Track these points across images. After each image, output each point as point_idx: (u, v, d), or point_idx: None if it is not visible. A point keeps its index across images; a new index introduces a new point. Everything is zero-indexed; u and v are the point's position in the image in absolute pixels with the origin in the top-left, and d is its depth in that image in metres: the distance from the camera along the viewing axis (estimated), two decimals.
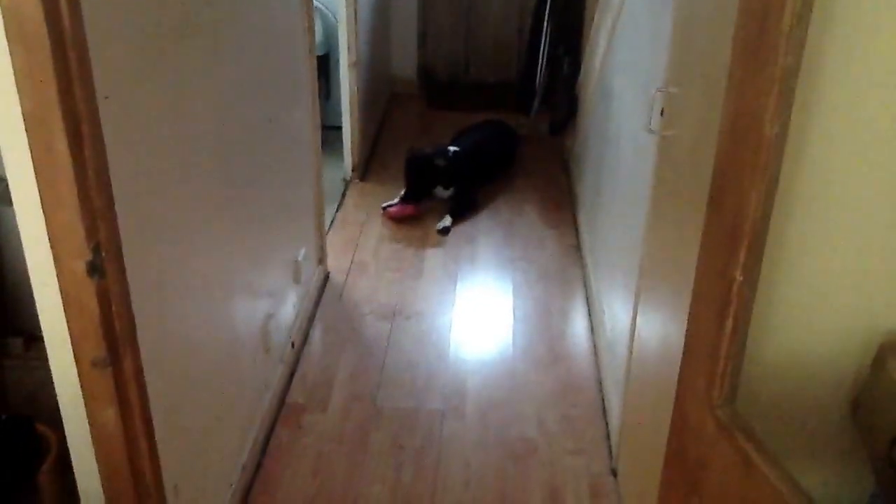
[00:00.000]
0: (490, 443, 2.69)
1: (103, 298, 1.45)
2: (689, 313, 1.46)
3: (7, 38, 1.25)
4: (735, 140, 1.26)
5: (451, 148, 4.38)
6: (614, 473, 2.54)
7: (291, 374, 2.96)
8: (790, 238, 1.31)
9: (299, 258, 3.03)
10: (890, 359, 1.35)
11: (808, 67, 1.17)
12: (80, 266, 1.41)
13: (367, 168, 4.72)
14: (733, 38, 1.27)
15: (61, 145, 1.32)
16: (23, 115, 1.30)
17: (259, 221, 2.52)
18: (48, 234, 1.39)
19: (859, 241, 1.31)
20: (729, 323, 1.30)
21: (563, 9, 4.66)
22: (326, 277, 3.60)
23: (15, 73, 1.27)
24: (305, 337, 3.18)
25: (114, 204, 1.46)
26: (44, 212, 1.38)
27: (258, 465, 2.53)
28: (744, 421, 1.32)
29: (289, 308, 2.94)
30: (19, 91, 1.28)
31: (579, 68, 4.28)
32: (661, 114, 2.01)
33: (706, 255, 1.40)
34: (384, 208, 4.23)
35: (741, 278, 1.27)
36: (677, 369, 1.51)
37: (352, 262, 3.76)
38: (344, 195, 4.44)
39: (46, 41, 1.25)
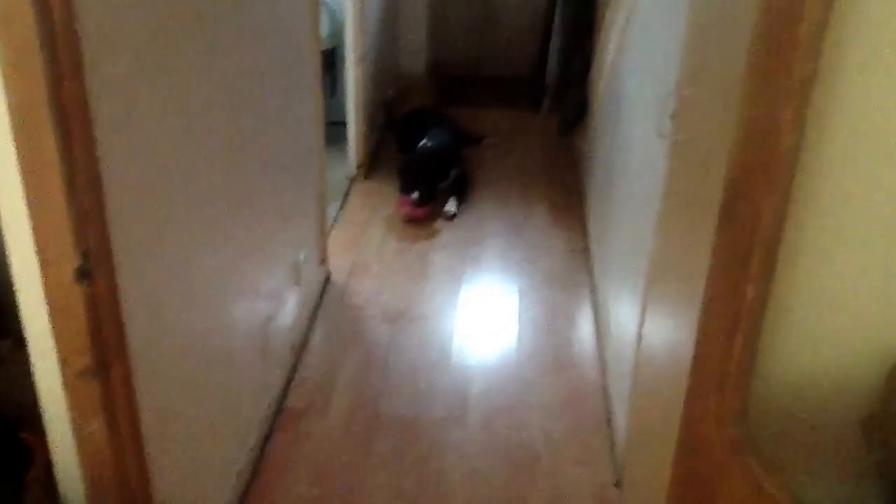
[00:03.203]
0: (493, 451, 2.64)
1: (91, 306, 1.41)
2: (698, 328, 1.41)
3: None
4: (748, 151, 1.21)
5: (432, 139, 4.44)
6: (619, 485, 2.49)
7: (290, 379, 2.91)
8: (803, 251, 1.26)
9: (300, 259, 2.98)
10: None
11: (826, 76, 1.11)
12: (68, 271, 1.37)
13: (372, 166, 4.67)
14: (748, 44, 1.21)
15: (50, 144, 1.28)
16: (9, 110, 1.25)
17: (259, 221, 2.47)
18: (34, 237, 1.35)
19: (874, 255, 1.26)
20: (739, 339, 1.26)
21: (575, 4, 4.59)
22: (328, 278, 3.55)
23: (1, 66, 1.22)
24: (305, 340, 3.13)
25: (104, 206, 1.41)
26: (30, 214, 1.33)
27: (254, 474, 2.48)
28: (754, 442, 1.28)
29: (288, 311, 2.89)
30: (6, 85, 1.24)
31: (590, 66, 4.22)
32: (673, 118, 1.96)
33: (717, 267, 1.35)
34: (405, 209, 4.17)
35: (753, 293, 1.22)
36: (684, 381, 1.47)
37: (354, 263, 3.71)
38: (348, 193, 4.39)
39: (35, 32, 1.20)
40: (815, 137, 1.16)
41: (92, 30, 1.32)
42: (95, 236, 1.39)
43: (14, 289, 1.42)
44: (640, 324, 2.24)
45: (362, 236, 3.95)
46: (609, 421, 2.76)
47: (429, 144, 4.39)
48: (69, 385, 1.45)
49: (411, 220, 4.08)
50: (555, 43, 4.78)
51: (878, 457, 1.36)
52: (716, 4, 1.67)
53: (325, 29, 4.35)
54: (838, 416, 1.40)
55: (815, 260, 1.27)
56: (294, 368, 2.96)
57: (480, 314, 3.41)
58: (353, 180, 4.51)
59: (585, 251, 3.87)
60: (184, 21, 1.75)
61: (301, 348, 3.07)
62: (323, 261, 3.49)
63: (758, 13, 1.19)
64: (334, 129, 4.46)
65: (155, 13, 1.60)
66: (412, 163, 4.30)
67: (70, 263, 1.36)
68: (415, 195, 4.09)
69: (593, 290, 3.51)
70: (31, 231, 1.34)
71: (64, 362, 1.43)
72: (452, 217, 4.14)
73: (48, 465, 1.61)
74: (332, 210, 4.01)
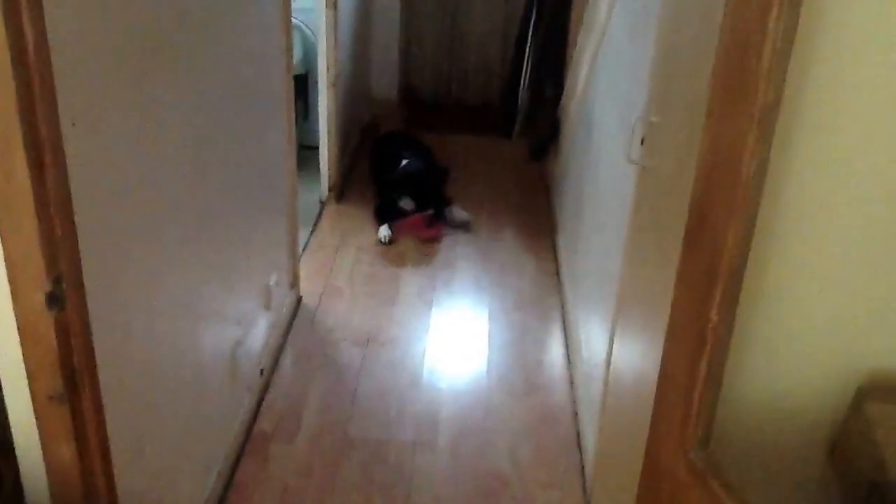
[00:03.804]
0: (462, 476, 2.64)
1: (62, 332, 1.41)
2: (663, 353, 1.42)
3: None
4: (712, 177, 1.23)
5: (411, 160, 4.50)
6: None
7: (260, 403, 2.90)
8: (768, 277, 1.29)
9: (271, 283, 2.97)
10: (867, 402, 1.32)
11: (789, 103, 1.14)
12: (39, 298, 1.36)
13: (343, 190, 4.68)
14: (712, 72, 1.24)
15: (22, 173, 1.27)
16: None
17: (230, 246, 2.47)
18: (5, 264, 1.34)
19: (838, 281, 1.29)
20: (703, 365, 1.27)
21: (546, 31, 4.63)
22: (299, 302, 3.55)
23: None
24: (275, 364, 3.12)
25: (76, 234, 1.41)
26: (1, 241, 1.33)
27: (223, 498, 2.47)
28: (717, 466, 1.29)
29: (259, 334, 2.89)
30: None
31: (562, 91, 4.26)
32: (642, 143, 1.99)
33: (681, 293, 1.37)
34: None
35: (717, 319, 1.23)
36: (650, 405, 1.48)
37: (326, 287, 3.72)
38: (319, 217, 4.39)
39: (8, 62, 1.20)
40: (778, 163, 1.19)
41: (64, 56, 1.32)
42: (66, 262, 1.39)
43: None
44: (610, 347, 2.26)
45: (334, 260, 3.95)
46: (579, 444, 2.77)
47: (412, 161, 4.43)
48: (39, 409, 1.44)
49: (429, 240, 4.16)
50: (527, 68, 4.82)
51: (843, 480, 1.38)
52: (683, 32, 1.70)
53: (297, 53, 4.37)
54: (803, 439, 1.41)
55: (780, 286, 1.29)
56: (264, 392, 2.95)
57: (451, 338, 3.43)
58: (324, 204, 4.51)
59: (556, 274, 3.90)
60: (155, 46, 1.76)
61: (271, 372, 3.06)
62: (294, 284, 3.49)
63: (722, 40, 1.21)
64: (306, 153, 4.47)
65: (127, 39, 1.61)
66: (401, 176, 4.35)
67: (41, 290, 1.36)
68: (430, 211, 4.20)
69: (564, 314, 3.54)
70: (1, 257, 1.34)
71: (34, 387, 1.43)
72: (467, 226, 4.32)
73: (18, 491, 1.60)
74: (303, 234, 4.01)
